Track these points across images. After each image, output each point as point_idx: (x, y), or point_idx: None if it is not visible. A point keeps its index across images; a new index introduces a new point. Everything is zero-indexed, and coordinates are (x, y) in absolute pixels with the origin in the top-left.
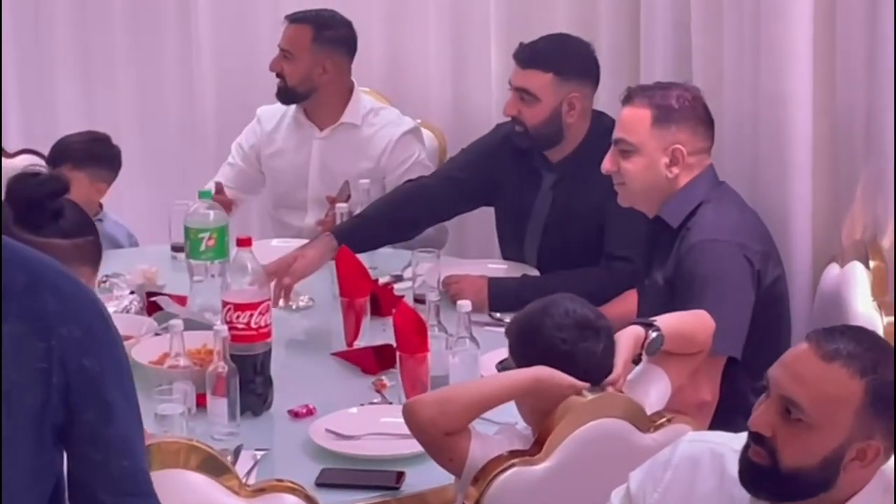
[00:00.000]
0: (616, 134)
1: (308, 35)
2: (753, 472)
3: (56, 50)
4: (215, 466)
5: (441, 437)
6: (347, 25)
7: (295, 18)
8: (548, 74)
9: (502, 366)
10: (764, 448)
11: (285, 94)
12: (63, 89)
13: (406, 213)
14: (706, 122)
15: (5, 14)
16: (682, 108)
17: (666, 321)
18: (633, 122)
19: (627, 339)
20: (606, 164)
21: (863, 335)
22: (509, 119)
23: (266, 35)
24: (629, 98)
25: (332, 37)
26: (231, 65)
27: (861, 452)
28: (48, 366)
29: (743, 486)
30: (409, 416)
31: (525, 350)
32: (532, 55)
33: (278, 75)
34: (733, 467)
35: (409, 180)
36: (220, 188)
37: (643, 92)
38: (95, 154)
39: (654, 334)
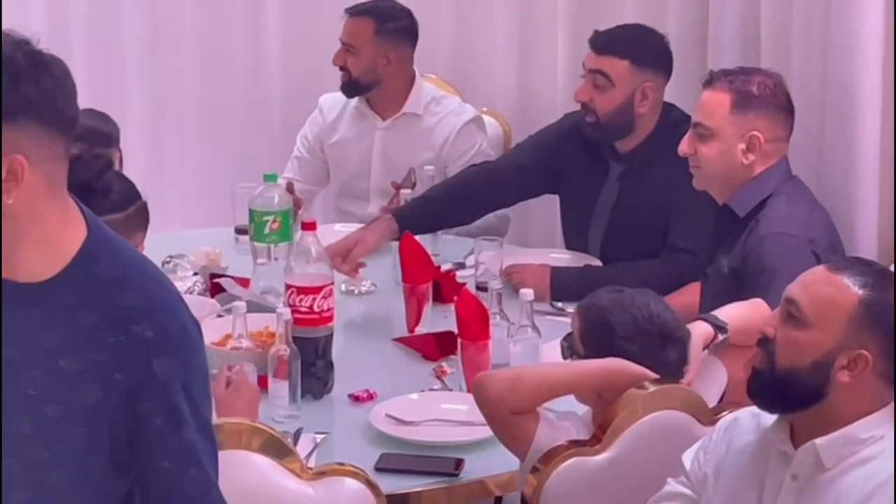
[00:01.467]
0: (695, 117)
1: (370, 28)
2: (754, 378)
3: (125, 34)
4: (278, 448)
5: (507, 415)
6: (409, 15)
7: (356, 12)
8: (624, 61)
9: (567, 343)
10: (765, 351)
11: (350, 87)
12: (131, 73)
13: (468, 197)
14: (786, 110)
15: None
16: (763, 94)
17: (731, 317)
18: (712, 106)
19: (697, 339)
20: (683, 147)
21: (875, 266)
22: (578, 109)
23: (333, 20)
24: (710, 82)
25: (395, 28)
26: (298, 47)
27: (851, 362)
28: (113, 361)
29: (748, 396)
30: (479, 389)
31: (598, 344)
32: (609, 41)
33: (342, 69)
34: (768, 421)
35: (474, 164)
36: (290, 187)
37: (725, 76)
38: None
39: (722, 337)
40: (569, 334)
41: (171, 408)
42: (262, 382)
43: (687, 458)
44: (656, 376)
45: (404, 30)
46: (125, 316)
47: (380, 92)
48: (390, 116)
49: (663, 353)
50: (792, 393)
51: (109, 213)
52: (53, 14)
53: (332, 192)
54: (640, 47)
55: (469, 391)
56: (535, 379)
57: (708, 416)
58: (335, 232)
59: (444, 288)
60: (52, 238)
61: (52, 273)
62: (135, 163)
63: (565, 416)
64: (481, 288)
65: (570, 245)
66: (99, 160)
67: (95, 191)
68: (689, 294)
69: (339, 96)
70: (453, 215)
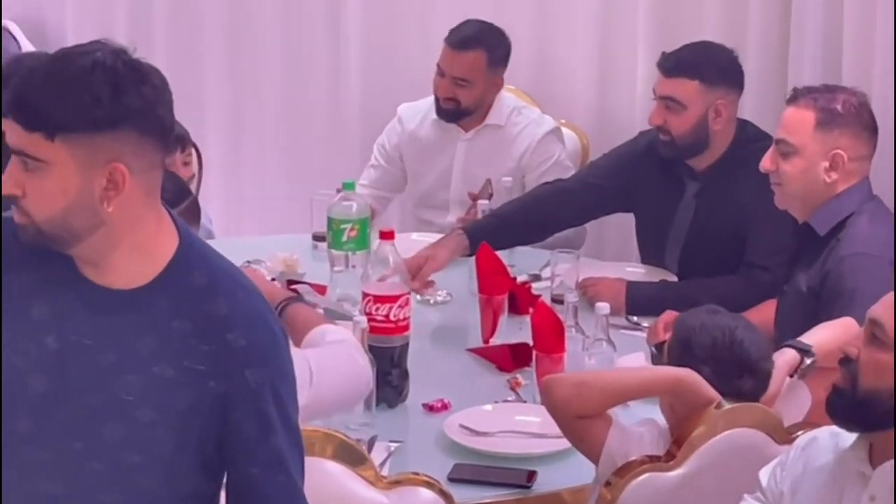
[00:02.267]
0: (778, 133)
1: (483, 61)
2: (835, 397)
3: (206, 42)
4: (352, 456)
5: (572, 419)
6: (505, 36)
7: (465, 46)
8: (693, 82)
9: (656, 350)
10: (847, 371)
11: (455, 115)
12: (211, 79)
13: (540, 215)
14: (870, 129)
15: (159, 3)
16: (847, 112)
17: (819, 340)
18: (796, 123)
19: (781, 367)
20: (765, 163)
21: None
22: (653, 127)
23: (412, 30)
24: (794, 98)
25: (500, 56)
26: (377, 56)
27: None
28: (206, 369)
29: (828, 415)
30: (545, 391)
31: (677, 359)
32: (677, 63)
33: (449, 100)
34: (847, 440)
35: (547, 182)
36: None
37: (809, 93)
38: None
39: (808, 361)
40: (661, 343)
41: (261, 416)
42: None
43: (764, 474)
44: (720, 398)
45: (505, 54)
46: (219, 325)
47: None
48: (473, 128)
49: (739, 381)
50: (873, 414)
51: None
52: (134, 22)
53: (409, 202)
54: (709, 65)
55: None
56: (602, 384)
57: (783, 435)
58: (412, 241)
59: (520, 299)
60: (147, 246)
61: (145, 280)
62: (214, 168)
63: (643, 422)
64: (557, 300)
65: (647, 261)
66: None
67: None
68: (766, 311)
69: (420, 106)
70: (524, 233)
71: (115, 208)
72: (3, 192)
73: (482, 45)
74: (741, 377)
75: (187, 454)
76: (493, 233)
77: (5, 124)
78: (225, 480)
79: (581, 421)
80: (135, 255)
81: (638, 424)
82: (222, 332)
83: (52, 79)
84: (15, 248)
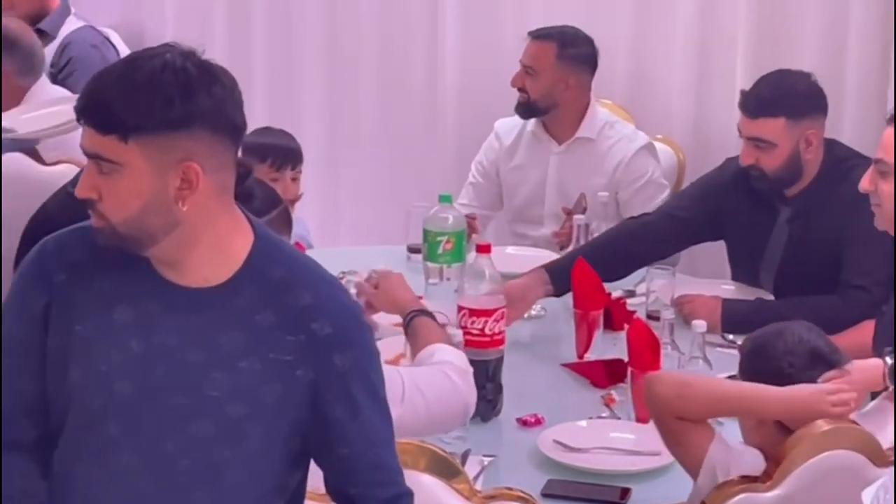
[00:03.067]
0: (877, 154)
1: (552, 52)
2: None
3: (305, 53)
4: (446, 468)
5: (670, 418)
6: (590, 43)
7: (539, 35)
8: (780, 119)
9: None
10: None
11: (526, 109)
12: (309, 91)
13: (626, 252)
14: None
15: (258, 14)
16: None
17: None
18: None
19: (867, 369)
20: (864, 184)
21: None
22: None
23: (510, 47)
24: (893, 119)
25: (576, 54)
26: (474, 69)
27: None
28: (294, 359)
29: None
30: (648, 387)
31: (753, 367)
32: (759, 103)
33: (520, 90)
34: None
35: (631, 217)
36: (471, 218)
37: None
38: (290, 147)
39: (890, 361)
40: (733, 375)
41: (349, 398)
42: None
43: (867, 496)
44: (840, 414)
45: (585, 56)
46: (303, 315)
47: (555, 116)
48: (565, 140)
49: (813, 372)
50: None
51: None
52: (233, 31)
53: (504, 216)
54: (792, 99)
55: (638, 420)
56: (706, 390)
57: (882, 458)
58: (508, 255)
59: (615, 315)
60: (224, 244)
61: (224, 277)
62: (310, 179)
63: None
64: (652, 317)
65: (740, 281)
66: (239, 167)
67: (238, 197)
68: (864, 332)
69: (515, 121)
70: (609, 271)
71: (189, 207)
72: (80, 195)
73: (555, 38)
74: (815, 369)
75: (275, 447)
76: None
77: (83, 130)
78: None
79: (680, 423)
80: (212, 253)
81: (743, 444)
82: (307, 322)
83: (124, 81)
84: (91, 255)
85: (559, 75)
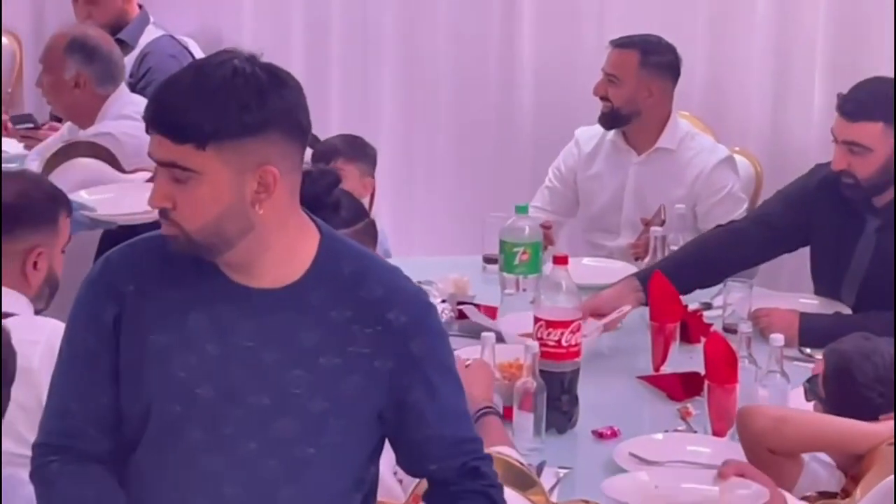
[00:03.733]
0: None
1: (635, 60)
2: None
3: (382, 62)
4: (522, 481)
5: (764, 452)
6: (673, 51)
7: (622, 44)
8: (877, 124)
9: (809, 385)
10: None
11: (609, 118)
12: (385, 100)
13: (714, 259)
14: None
15: (335, 21)
16: None
17: None
18: None
19: None
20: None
21: None
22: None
23: (587, 58)
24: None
25: (658, 62)
26: (551, 79)
27: None
28: (371, 351)
29: None
30: (743, 420)
31: (840, 392)
32: (857, 107)
33: (603, 99)
34: None
35: (719, 225)
36: (545, 227)
37: None
38: (362, 149)
39: None
40: (813, 377)
41: (426, 381)
42: (508, 414)
43: None
44: None
45: (667, 65)
46: (377, 307)
47: (637, 125)
48: (645, 150)
49: None
50: None
51: (339, 229)
52: (310, 40)
53: (580, 224)
54: (890, 104)
55: (715, 434)
56: (803, 426)
57: None
58: (584, 266)
59: (692, 328)
60: (294, 244)
61: (295, 277)
62: (385, 187)
63: (813, 456)
64: (728, 329)
65: (822, 292)
66: (327, 175)
67: (325, 206)
68: None
69: (596, 129)
70: (699, 278)
71: (265, 211)
72: (154, 205)
73: (637, 46)
74: None
75: (355, 441)
76: (681, 272)
77: (153, 140)
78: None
79: (772, 456)
80: (283, 254)
81: (810, 458)
82: (382, 313)
83: (197, 89)
84: (158, 264)
85: (642, 83)
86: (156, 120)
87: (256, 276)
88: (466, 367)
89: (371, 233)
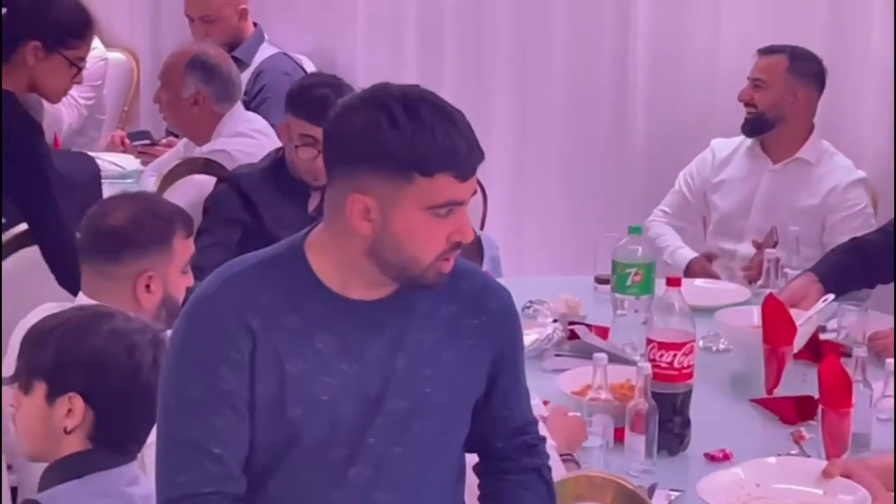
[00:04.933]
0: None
1: (783, 64)
2: None
3: (493, 76)
4: (634, 502)
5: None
6: (819, 62)
7: (769, 50)
8: None
9: None
10: None
11: (754, 125)
12: (496, 117)
13: (878, 261)
14: None
15: (448, 40)
16: None
17: None
18: None
19: None
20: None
21: None
22: None
23: (700, 80)
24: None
25: (806, 68)
26: (663, 100)
27: None
28: (479, 341)
29: None
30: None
31: None
32: None
33: (748, 105)
34: None
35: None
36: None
37: None
38: None
39: None
40: None
41: (515, 365)
42: (619, 435)
43: None
44: None
45: (814, 73)
46: (479, 298)
47: (779, 133)
48: (783, 160)
49: None
50: None
51: None
52: (423, 59)
53: (707, 229)
54: None
55: (828, 458)
56: None
57: None
58: (696, 287)
59: (814, 348)
60: None
61: (396, 284)
62: (497, 206)
63: None
64: (843, 353)
65: None
66: None
67: None
68: None
69: (733, 140)
70: (873, 272)
71: None
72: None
73: (785, 52)
74: None
75: (464, 430)
76: (847, 270)
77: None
78: None
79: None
80: None
81: None
82: (484, 304)
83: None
84: (274, 294)
85: (789, 86)
86: (475, 164)
87: (365, 288)
88: (565, 415)
89: (477, 248)
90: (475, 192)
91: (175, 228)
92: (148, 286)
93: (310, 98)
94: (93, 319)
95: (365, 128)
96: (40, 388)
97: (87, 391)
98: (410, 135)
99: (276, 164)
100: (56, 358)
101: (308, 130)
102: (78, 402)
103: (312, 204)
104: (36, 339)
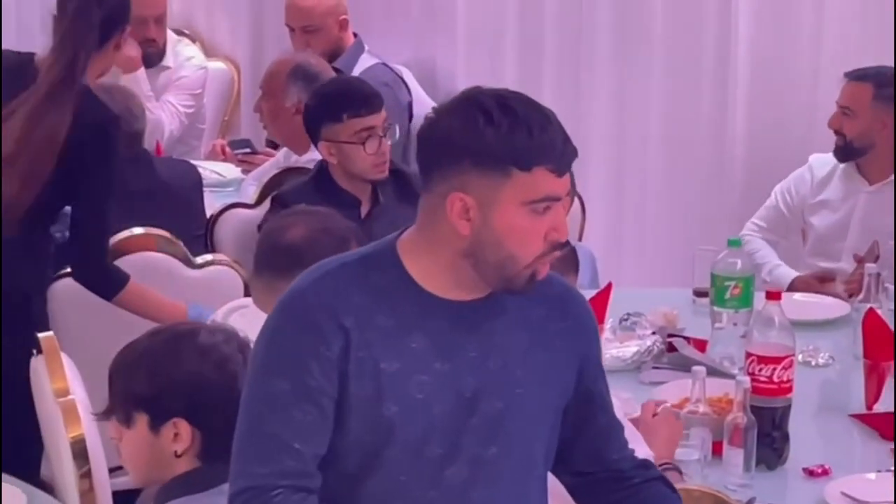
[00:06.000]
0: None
1: (869, 93)
2: None
3: (593, 90)
4: None
5: None
6: None
7: (857, 76)
8: None
9: None
10: None
11: (843, 151)
12: (595, 129)
13: None
14: None
15: (549, 50)
16: None
17: None
18: None
19: None
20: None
21: None
22: None
23: (800, 94)
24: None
25: (893, 95)
26: (763, 114)
27: None
28: (566, 344)
29: None
30: None
31: None
32: None
33: (837, 132)
34: None
35: None
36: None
37: None
38: None
39: None
40: None
41: (601, 369)
42: (717, 449)
43: None
44: None
45: None
46: (565, 302)
47: (872, 156)
48: (878, 181)
49: None
50: None
51: None
52: (524, 69)
53: (804, 249)
54: None
55: None
56: None
57: None
58: (795, 301)
59: None
60: None
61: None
62: (596, 218)
63: None
64: None
65: None
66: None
67: None
68: None
69: (830, 157)
70: None
71: None
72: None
73: (871, 79)
74: None
75: (553, 435)
76: None
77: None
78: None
79: None
80: None
81: None
82: (570, 307)
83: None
84: (367, 293)
85: (876, 116)
86: (570, 158)
87: (465, 290)
88: (654, 416)
89: (572, 259)
90: (569, 193)
91: (349, 247)
92: None
93: (356, 94)
94: (177, 341)
95: (462, 127)
96: (142, 420)
97: (188, 413)
98: (507, 130)
99: (322, 177)
100: (151, 387)
101: (368, 123)
102: (183, 426)
103: (364, 210)
104: (125, 371)
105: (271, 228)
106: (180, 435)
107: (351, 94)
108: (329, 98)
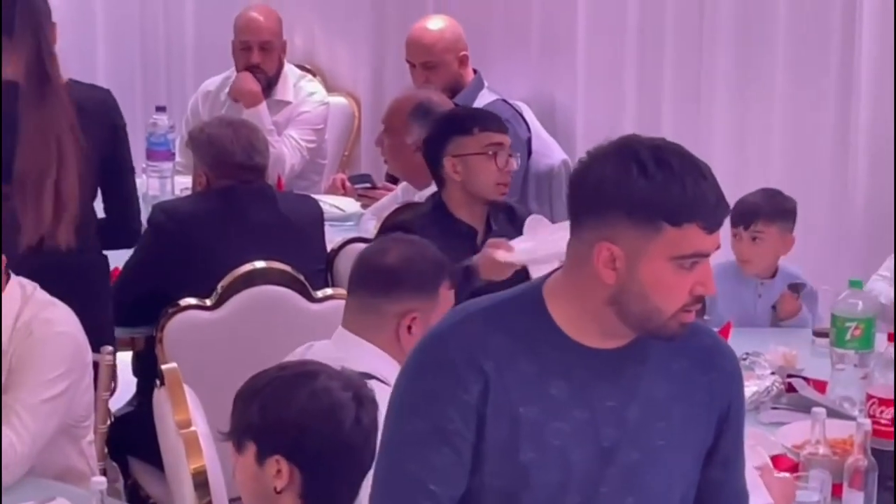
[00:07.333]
0: None
1: None
2: None
3: (711, 115)
4: None
5: None
6: None
7: None
8: None
9: None
10: None
11: None
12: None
13: None
14: None
15: (667, 82)
16: None
17: None
18: None
19: None
20: None
21: None
22: None
23: None
24: None
25: None
26: (886, 150)
27: None
28: (709, 398)
29: None
30: None
31: None
32: None
33: None
34: None
35: None
36: None
37: None
38: (781, 206)
39: None
40: None
41: (738, 428)
42: (837, 491)
43: None
44: None
45: None
46: (710, 355)
47: None
48: None
49: None
50: None
51: None
52: (642, 108)
53: None
54: None
55: None
56: None
57: None
58: None
59: None
60: None
61: (629, 336)
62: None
63: None
64: None
65: None
66: None
67: None
68: None
69: None
70: None
71: None
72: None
73: None
74: None
75: (691, 488)
76: None
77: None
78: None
79: None
80: None
81: None
82: (716, 360)
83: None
84: (508, 338)
85: None
86: (722, 216)
87: (604, 339)
88: (776, 476)
89: None
90: (719, 247)
91: (443, 276)
92: (410, 327)
93: (486, 113)
94: (297, 379)
95: (615, 176)
96: (251, 448)
97: (289, 452)
98: (660, 184)
99: (438, 208)
100: (262, 419)
101: (497, 139)
102: (284, 465)
103: (480, 240)
104: (247, 397)
105: (369, 252)
106: (281, 472)
107: (481, 112)
108: (458, 115)
